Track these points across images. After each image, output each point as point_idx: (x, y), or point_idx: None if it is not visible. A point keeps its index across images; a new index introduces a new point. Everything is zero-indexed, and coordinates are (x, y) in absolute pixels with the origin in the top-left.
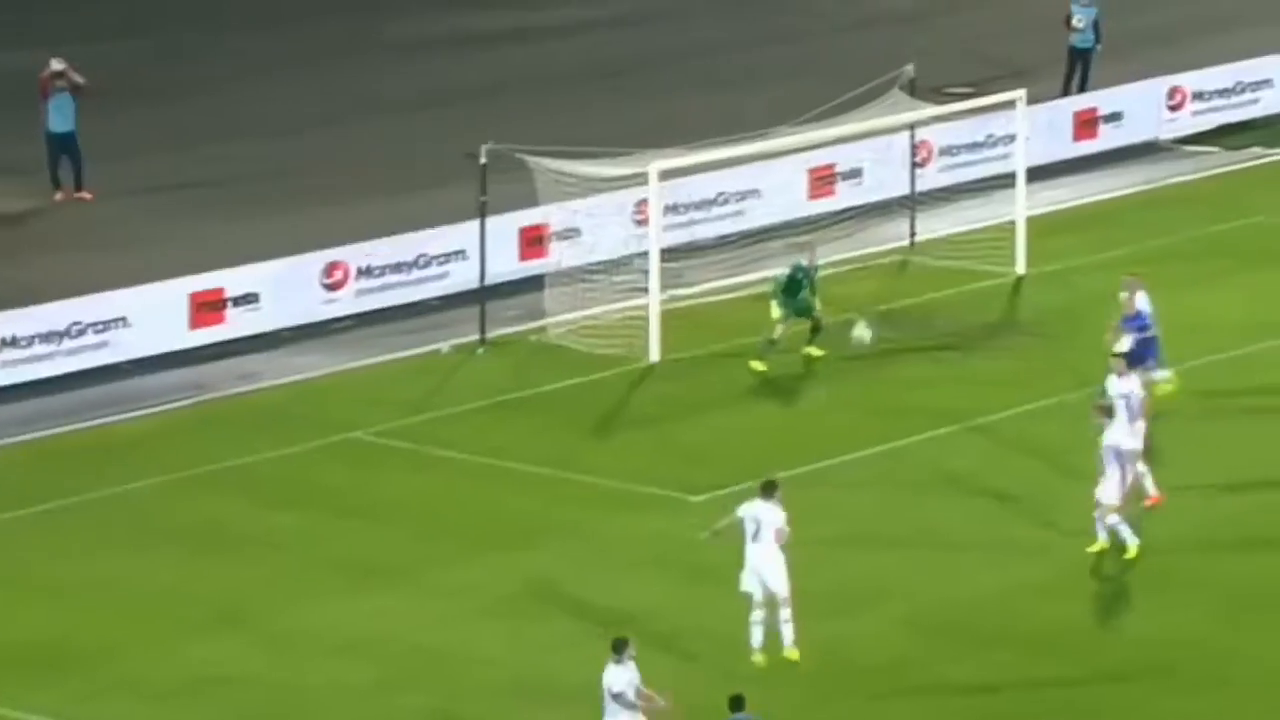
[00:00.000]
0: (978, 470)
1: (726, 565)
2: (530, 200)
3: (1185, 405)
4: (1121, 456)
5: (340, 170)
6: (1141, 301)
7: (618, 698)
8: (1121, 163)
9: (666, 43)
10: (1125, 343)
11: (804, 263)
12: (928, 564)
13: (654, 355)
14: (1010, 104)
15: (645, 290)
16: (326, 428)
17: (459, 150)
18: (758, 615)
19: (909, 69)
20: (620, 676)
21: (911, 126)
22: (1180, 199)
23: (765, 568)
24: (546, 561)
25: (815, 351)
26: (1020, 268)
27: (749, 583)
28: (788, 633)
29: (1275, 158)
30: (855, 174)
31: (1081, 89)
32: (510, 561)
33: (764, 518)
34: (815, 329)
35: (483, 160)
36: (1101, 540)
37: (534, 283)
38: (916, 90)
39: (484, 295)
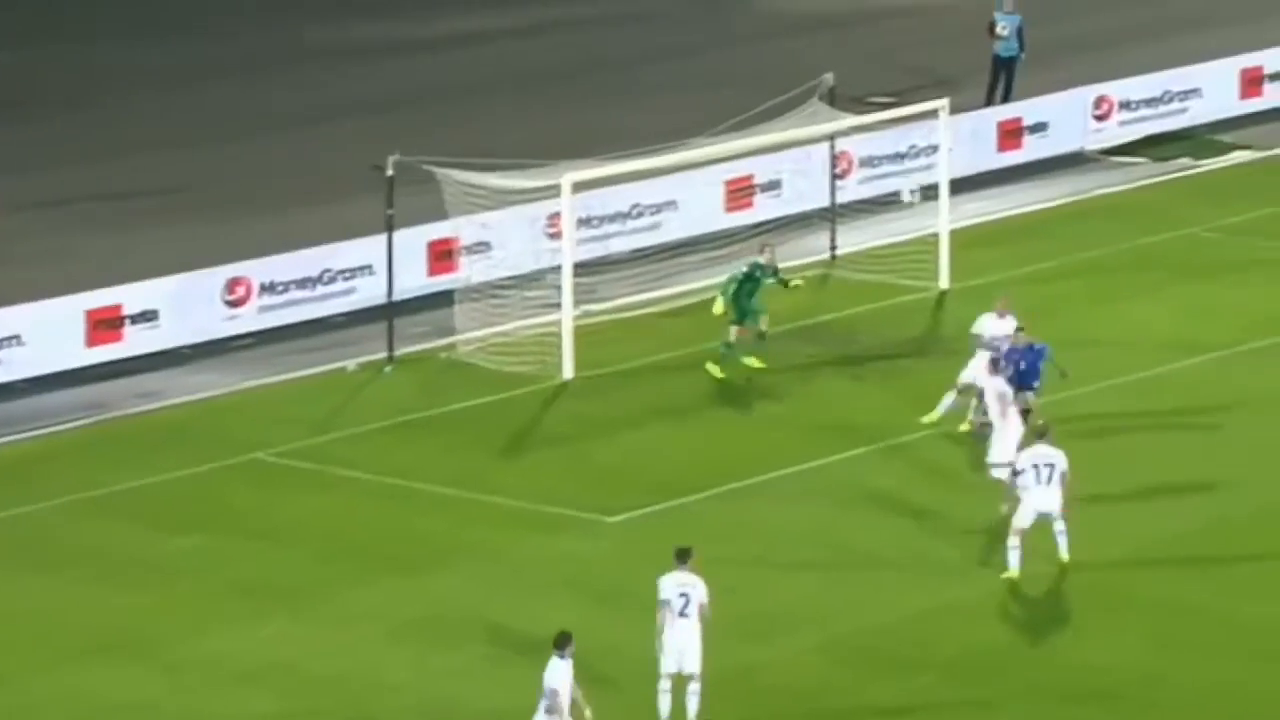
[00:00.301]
0: (899, 490)
1: (642, 589)
2: (439, 213)
3: (1115, 423)
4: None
5: (243, 183)
6: (1009, 329)
7: (552, 695)
8: (1047, 174)
9: (579, 53)
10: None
11: (762, 261)
12: (848, 585)
13: (567, 372)
14: (933, 114)
15: (558, 306)
16: (228, 448)
17: (365, 162)
18: (666, 684)
19: (828, 78)
20: (561, 674)
21: (831, 137)
22: (1107, 211)
23: (689, 645)
24: (455, 585)
25: (756, 362)
26: (943, 282)
27: (667, 657)
28: (694, 705)
29: (1205, 169)
30: (774, 185)
31: (1005, 98)
32: (417, 585)
33: (692, 592)
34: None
35: (389, 172)
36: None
37: (443, 298)
38: (836, 100)
39: (391, 311)
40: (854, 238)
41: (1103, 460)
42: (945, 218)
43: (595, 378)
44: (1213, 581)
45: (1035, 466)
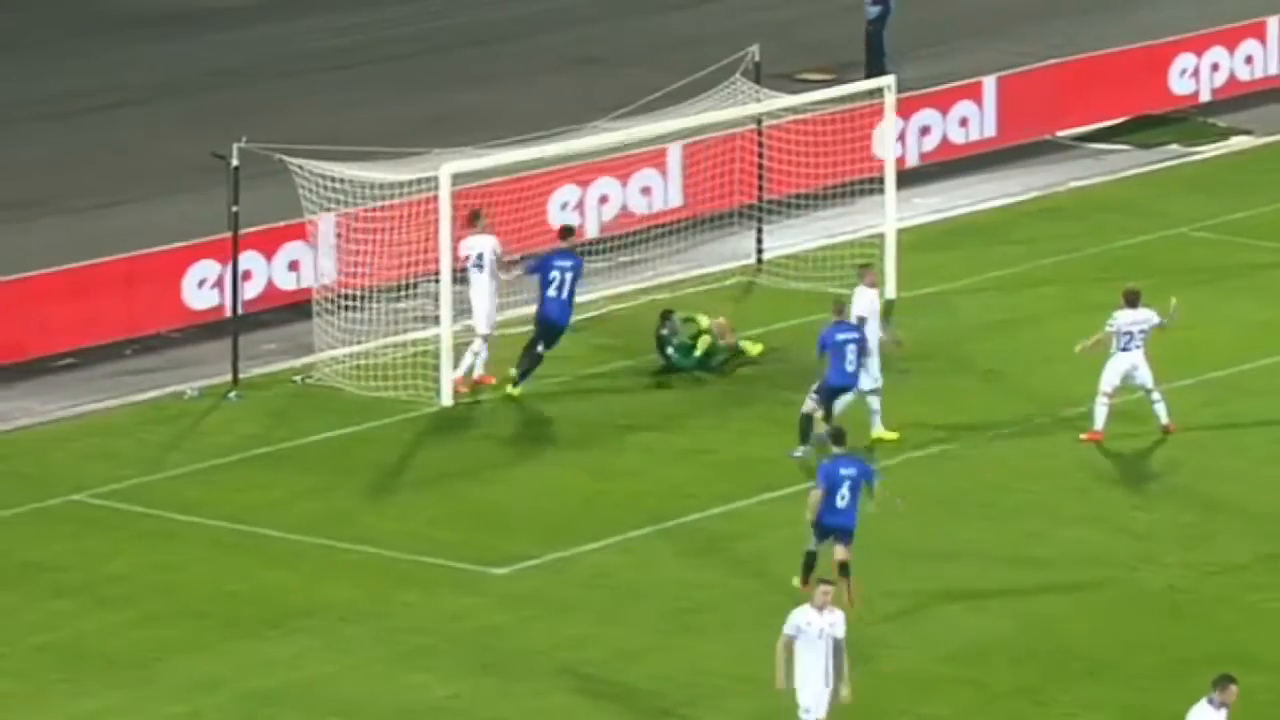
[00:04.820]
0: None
1: (535, 652)
2: (292, 210)
3: (1089, 458)
4: None
5: (47, 176)
6: (864, 303)
7: None
8: (1011, 164)
9: (427, 26)
10: None
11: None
12: (761, 653)
13: (446, 398)
14: (877, 93)
15: (435, 319)
16: (41, 488)
17: (200, 149)
18: None
19: (754, 50)
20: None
21: (758, 120)
22: (1084, 207)
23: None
24: (312, 650)
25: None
26: (890, 290)
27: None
28: None
29: (1197, 157)
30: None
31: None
32: (267, 651)
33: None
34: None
35: (234, 162)
36: None
37: (298, 311)
38: (763, 76)
39: (236, 326)
40: (784, 238)
41: (1076, 502)
42: (892, 215)
43: (479, 404)
44: None
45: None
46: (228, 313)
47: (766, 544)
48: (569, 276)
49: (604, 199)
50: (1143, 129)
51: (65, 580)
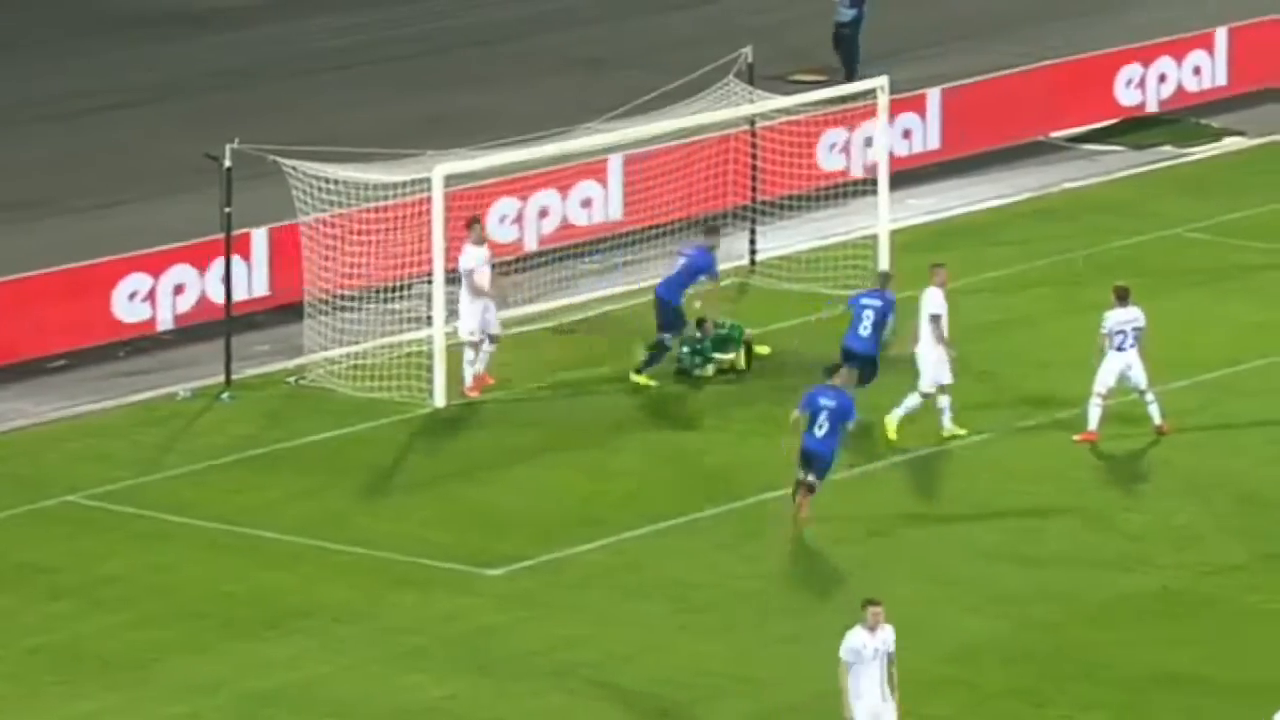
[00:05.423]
0: (830, 537)
1: (531, 652)
2: (285, 211)
3: (1082, 458)
4: None
5: (47, 176)
6: (935, 303)
7: None
8: (1005, 165)
9: (470, 19)
10: None
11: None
12: (775, 650)
13: (439, 399)
14: (870, 93)
15: (428, 320)
16: (36, 489)
17: (201, 150)
18: None
19: (747, 52)
20: None
21: (752, 121)
22: (1077, 208)
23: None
24: (308, 651)
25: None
26: None
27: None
28: None
29: (1190, 158)
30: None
31: (849, 75)
32: (263, 652)
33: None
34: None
35: (227, 163)
36: None
37: (290, 312)
38: (756, 78)
39: (229, 328)
40: (777, 240)
41: (1071, 502)
42: (885, 216)
43: (472, 405)
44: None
45: (1123, 332)
46: (159, 327)
47: (766, 544)
48: (680, 262)
49: (544, 212)
50: (1136, 130)
51: (60, 582)
